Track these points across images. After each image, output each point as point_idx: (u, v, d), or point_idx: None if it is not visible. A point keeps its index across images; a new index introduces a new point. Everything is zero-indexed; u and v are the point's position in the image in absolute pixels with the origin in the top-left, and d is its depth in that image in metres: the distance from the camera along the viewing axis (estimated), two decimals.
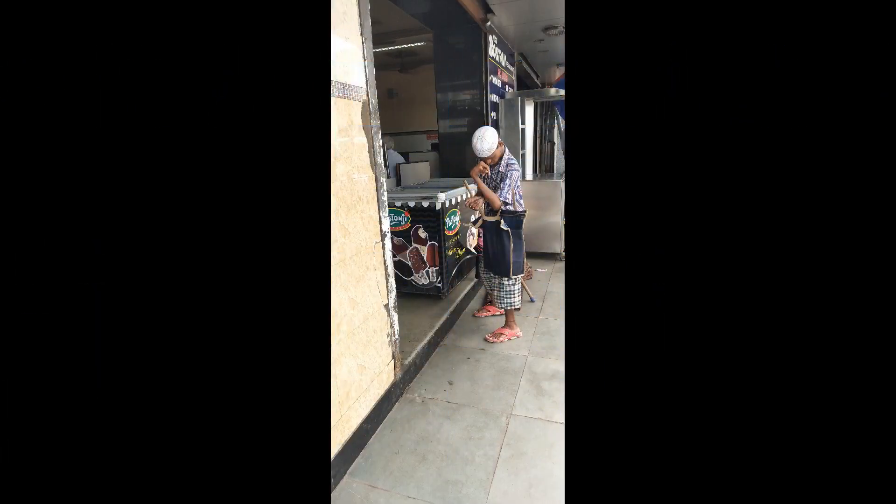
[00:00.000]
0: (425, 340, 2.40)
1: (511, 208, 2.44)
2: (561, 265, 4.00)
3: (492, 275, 2.59)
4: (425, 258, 2.95)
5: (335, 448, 1.53)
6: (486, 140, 2.35)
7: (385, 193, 1.83)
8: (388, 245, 1.91)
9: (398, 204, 2.88)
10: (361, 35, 1.63)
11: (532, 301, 3.15)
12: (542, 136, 4.92)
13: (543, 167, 4.99)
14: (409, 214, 2.89)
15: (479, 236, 2.94)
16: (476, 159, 2.45)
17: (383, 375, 1.90)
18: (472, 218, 2.95)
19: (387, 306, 1.92)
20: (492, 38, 3.86)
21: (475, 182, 2.47)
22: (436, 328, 2.57)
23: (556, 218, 4.02)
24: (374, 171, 1.75)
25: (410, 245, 2.96)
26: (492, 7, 3.51)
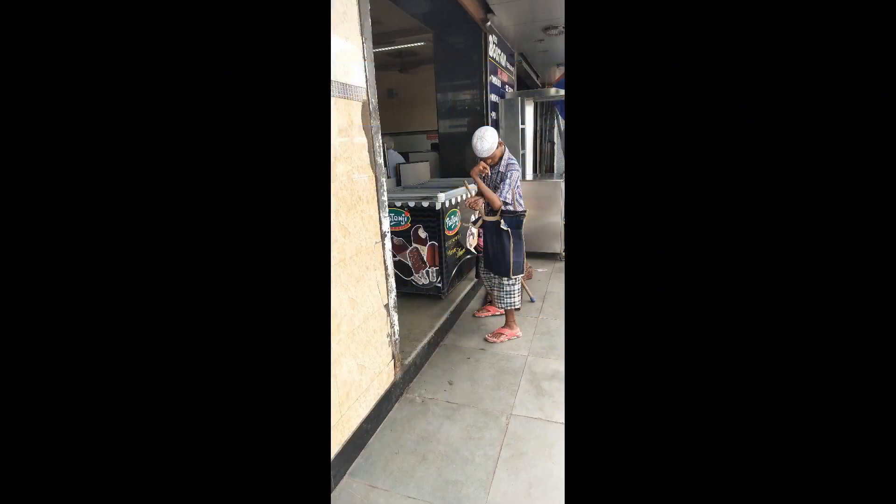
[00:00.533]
0: (425, 340, 2.40)
1: (511, 208, 2.44)
2: (561, 265, 4.00)
3: (492, 275, 2.59)
4: (425, 258, 2.95)
5: (335, 448, 1.53)
6: (486, 140, 2.35)
7: (385, 193, 1.83)
8: (388, 245, 1.91)
9: (398, 204, 2.88)
10: (361, 35, 1.63)
11: (532, 301, 3.15)
12: (542, 136, 4.92)
13: (543, 167, 4.98)
14: (409, 214, 2.89)
15: (479, 236, 2.94)
16: (476, 159, 2.45)
17: (383, 375, 1.90)
18: (472, 218, 2.95)
19: (387, 306, 1.92)
20: (492, 38, 3.86)
21: (475, 182, 2.47)
22: (436, 328, 2.57)
23: (556, 218, 4.02)
24: (374, 171, 1.75)
25: (410, 245, 2.96)
26: (492, 7, 3.51)
